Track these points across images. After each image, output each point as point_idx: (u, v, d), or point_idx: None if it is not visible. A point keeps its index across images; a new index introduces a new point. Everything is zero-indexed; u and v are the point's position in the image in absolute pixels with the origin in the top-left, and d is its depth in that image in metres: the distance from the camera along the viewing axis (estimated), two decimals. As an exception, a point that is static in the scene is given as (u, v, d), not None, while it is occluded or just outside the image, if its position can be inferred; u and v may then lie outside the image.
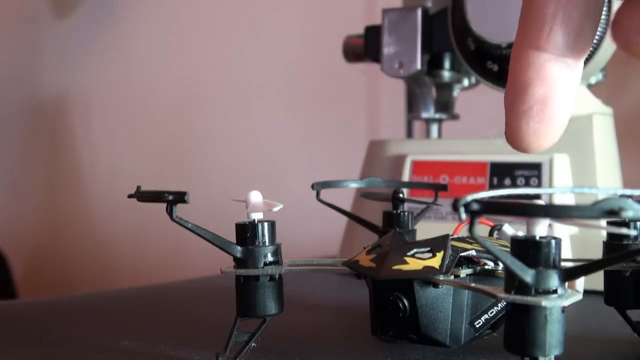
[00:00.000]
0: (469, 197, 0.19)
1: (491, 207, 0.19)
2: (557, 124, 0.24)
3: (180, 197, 0.26)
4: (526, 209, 0.19)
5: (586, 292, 0.28)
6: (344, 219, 0.53)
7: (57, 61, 1.35)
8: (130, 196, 0.26)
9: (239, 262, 0.29)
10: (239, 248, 0.28)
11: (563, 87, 0.23)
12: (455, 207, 0.19)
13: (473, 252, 0.28)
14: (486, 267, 0.29)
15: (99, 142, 1.32)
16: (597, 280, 0.31)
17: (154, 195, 0.26)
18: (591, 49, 0.24)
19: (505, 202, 0.22)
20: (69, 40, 1.34)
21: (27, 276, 1.34)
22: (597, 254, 0.30)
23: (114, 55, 1.29)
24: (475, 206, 0.19)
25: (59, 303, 0.45)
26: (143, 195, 0.26)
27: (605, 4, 0.40)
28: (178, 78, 1.20)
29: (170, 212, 0.26)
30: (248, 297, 0.28)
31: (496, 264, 0.28)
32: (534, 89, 0.23)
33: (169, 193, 0.26)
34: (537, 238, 0.21)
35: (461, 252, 0.28)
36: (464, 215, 0.19)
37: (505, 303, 0.21)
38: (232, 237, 0.29)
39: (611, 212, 0.18)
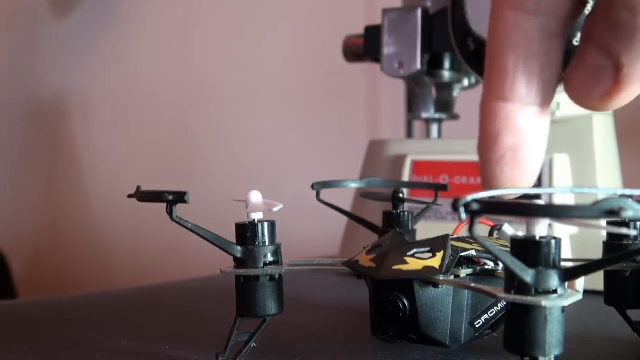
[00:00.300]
0: (469, 197, 0.19)
1: (491, 207, 0.19)
2: (530, 169, 0.25)
3: (180, 197, 0.26)
4: (526, 209, 0.19)
5: (586, 292, 0.28)
6: (344, 219, 0.53)
7: (57, 61, 1.35)
8: (130, 196, 0.26)
9: (239, 262, 0.29)
10: (239, 248, 0.28)
11: (532, 134, 0.24)
12: (455, 207, 0.19)
13: (473, 252, 0.28)
14: (486, 267, 0.29)
15: (99, 142, 1.32)
16: (597, 280, 0.31)
17: (154, 195, 0.26)
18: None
19: (505, 202, 0.22)
20: (69, 40, 1.34)
21: (27, 276, 1.34)
22: (597, 254, 0.30)
23: (114, 55, 1.29)
24: (475, 206, 0.19)
25: (59, 303, 0.45)
26: (143, 196, 0.26)
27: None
28: (178, 78, 1.20)
29: (170, 212, 0.26)
30: (248, 297, 0.28)
31: (496, 264, 0.28)
32: (504, 138, 0.24)
33: (169, 193, 0.26)
34: (537, 238, 0.21)
35: (461, 252, 0.28)
36: (464, 215, 0.19)
37: (505, 303, 0.21)
38: (232, 237, 0.29)
39: (611, 212, 0.18)
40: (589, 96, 0.24)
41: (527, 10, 0.24)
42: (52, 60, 1.36)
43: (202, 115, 1.18)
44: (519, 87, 0.24)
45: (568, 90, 0.24)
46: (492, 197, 0.23)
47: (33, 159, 1.40)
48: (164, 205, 0.26)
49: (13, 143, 1.42)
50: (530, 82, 0.24)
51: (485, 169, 0.26)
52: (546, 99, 0.25)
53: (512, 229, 0.31)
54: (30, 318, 0.40)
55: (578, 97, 0.24)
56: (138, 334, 0.35)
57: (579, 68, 0.24)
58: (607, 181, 0.49)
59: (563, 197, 0.46)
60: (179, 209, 0.27)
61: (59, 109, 1.35)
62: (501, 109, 0.25)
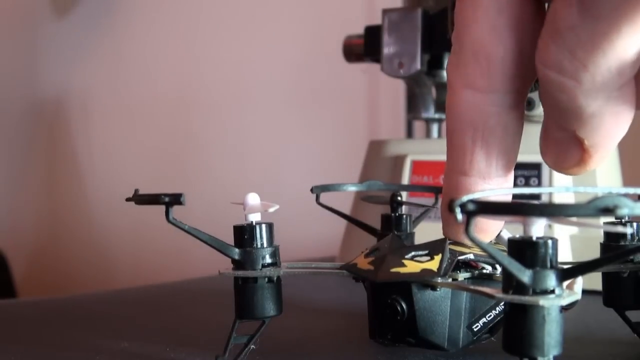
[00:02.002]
0: (465, 197, 0.19)
1: (487, 207, 0.19)
2: (490, 233, 0.27)
3: (176, 199, 0.26)
4: (521, 208, 0.19)
5: (586, 292, 0.28)
6: (343, 220, 0.53)
7: (57, 61, 1.35)
8: (128, 199, 0.27)
9: (237, 264, 0.29)
10: (236, 250, 0.28)
11: None
12: (450, 208, 0.19)
13: (471, 256, 0.28)
14: (484, 271, 0.29)
15: (99, 142, 1.32)
16: (596, 281, 0.31)
17: (151, 198, 0.26)
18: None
19: (500, 202, 0.22)
20: (69, 40, 1.34)
21: (27, 276, 1.34)
22: (597, 254, 0.30)
23: (114, 55, 1.29)
24: (471, 206, 0.19)
25: (59, 303, 0.45)
26: (140, 199, 0.26)
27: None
28: (177, 78, 1.20)
29: (166, 214, 0.26)
30: (246, 299, 0.28)
31: (494, 267, 0.28)
32: None
33: (165, 195, 0.26)
34: (534, 238, 0.21)
35: (459, 255, 0.28)
36: (459, 216, 0.19)
37: (503, 307, 0.21)
38: (232, 239, 0.29)
39: (606, 210, 0.18)
40: (565, 165, 0.25)
41: (479, 88, 0.25)
42: (52, 60, 1.36)
43: (202, 116, 1.18)
44: (477, 161, 0.25)
45: (545, 160, 0.25)
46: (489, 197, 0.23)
47: (33, 158, 1.41)
48: (163, 207, 0.26)
49: (13, 143, 1.42)
50: (489, 157, 0.25)
51: (448, 231, 0.28)
52: (506, 171, 0.26)
53: (509, 233, 0.31)
54: (30, 318, 0.40)
55: (557, 169, 0.25)
56: (138, 335, 0.35)
57: (548, 142, 0.25)
58: (607, 181, 0.49)
59: (563, 197, 0.46)
60: (178, 211, 0.27)
61: (59, 109, 1.35)
62: (462, 182, 0.26)
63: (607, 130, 0.23)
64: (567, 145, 0.24)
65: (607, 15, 0.20)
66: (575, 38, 0.21)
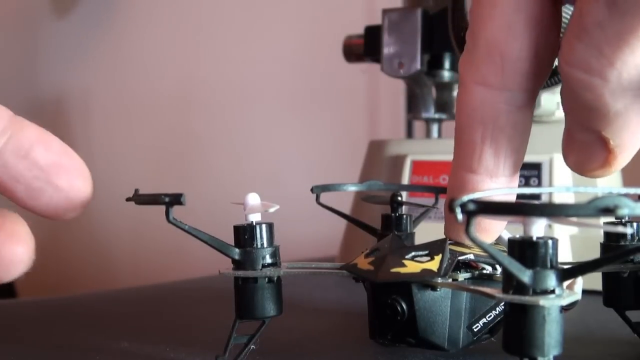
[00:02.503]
0: (465, 197, 0.19)
1: (487, 207, 0.19)
2: (492, 233, 0.27)
3: (176, 199, 0.25)
4: (521, 208, 0.19)
5: (586, 292, 0.28)
6: (343, 220, 0.53)
7: (57, 61, 1.35)
8: (128, 199, 0.27)
9: (237, 264, 0.29)
10: (236, 250, 0.28)
11: None
12: (451, 208, 0.19)
13: (471, 256, 0.28)
14: (484, 271, 0.29)
15: (99, 142, 1.32)
16: (596, 281, 0.31)
17: (151, 198, 0.26)
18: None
19: (501, 202, 0.22)
20: (69, 40, 1.34)
21: (27, 276, 1.33)
22: (597, 254, 0.30)
23: (113, 56, 1.29)
24: (471, 206, 0.19)
25: (58, 303, 0.45)
26: (140, 199, 0.26)
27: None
28: (177, 78, 1.20)
29: (166, 214, 0.26)
30: (246, 299, 0.28)
31: (494, 268, 0.28)
32: None
33: (165, 195, 0.26)
34: (534, 238, 0.21)
35: (459, 255, 0.28)
36: (460, 216, 0.19)
37: (503, 308, 0.21)
38: (232, 239, 0.29)
39: (606, 210, 0.18)
40: (589, 167, 0.24)
41: (492, 86, 0.25)
42: (52, 60, 1.36)
43: (202, 116, 1.18)
44: (486, 159, 0.25)
45: (568, 164, 0.25)
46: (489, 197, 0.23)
47: (33, 159, 1.40)
48: (163, 207, 0.26)
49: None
50: (497, 155, 0.25)
51: (450, 228, 0.28)
52: (513, 170, 0.26)
53: (509, 234, 0.31)
54: (30, 318, 0.40)
55: (580, 171, 0.25)
56: (138, 336, 0.35)
57: (571, 144, 0.25)
58: (607, 181, 0.49)
59: (563, 197, 0.46)
60: (179, 210, 0.27)
61: (59, 109, 1.35)
62: (468, 180, 0.26)
63: (634, 129, 0.23)
64: (591, 147, 0.24)
65: (635, 10, 0.20)
66: (602, 34, 0.21)
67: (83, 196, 0.24)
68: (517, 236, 0.21)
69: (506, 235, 0.30)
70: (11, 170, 0.23)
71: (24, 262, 0.24)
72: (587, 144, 0.24)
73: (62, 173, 0.24)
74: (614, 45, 0.21)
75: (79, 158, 0.25)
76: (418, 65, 0.53)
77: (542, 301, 0.20)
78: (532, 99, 0.25)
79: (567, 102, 0.24)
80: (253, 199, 0.29)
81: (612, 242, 0.30)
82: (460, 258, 0.28)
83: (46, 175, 0.24)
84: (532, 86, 0.25)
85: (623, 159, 0.24)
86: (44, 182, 0.24)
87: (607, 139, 0.23)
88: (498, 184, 0.26)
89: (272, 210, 0.28)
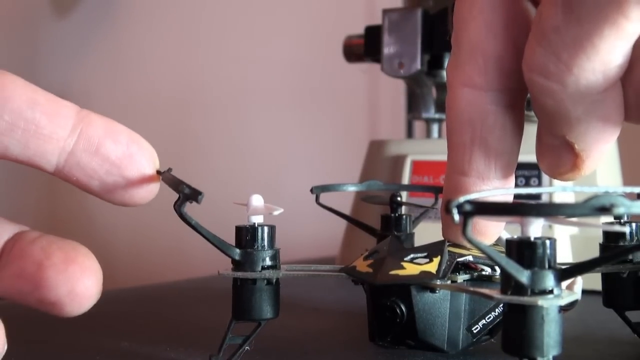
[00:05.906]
0: (462, 198, 0.19)
1: (484, 208, 0.19)
2: (489, 235, 0.26)
3: (194, 195, 0.25)
4: (519, 208, 0.19)
5: (586, 292, 0.28)
6: (343, 220, 0.53)
7: (57, 61, 1.35)
8: (158, 172, 0.26)
9: (237, 265, 0.28)
10: (237, 250, 0.28)
11: None
12: (447, 209, 0.19)
13: (470, 258, 0.28)
14: (483, 272, 0.29)
15: (100, 142, 1.31)
16: (596, 281, 0.31)
17: (174, 182, 0.25)
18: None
19: (497, 202, 0.22)
20: (69, 40, 1.34)
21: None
22: (597, 254, 0.30)
23: (113, 56, 1.29)
24: (468, 207, 0.19)
25: (58, 303, 0.45)
26: (166, 177, 0.26)
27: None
28: (177, 78, 1.20)
29: (179, 205, 0.25)
30: (244, 300, 0.28)
31: (493, 269, 0.28)
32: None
33: (187, 186, 0.25)
34: (532, 239, 0.21)
35: (458, 257, 0.28)
36: (457, 217, 0.19)
37: (502, 309, 0.21)
38: (231, 239, 0.29)
39: (603, 209, 0.18)
40: (559, 171, 0.25)
41: (477, 86, 0.25)
42: (52, 60, 1.36)
43: (203, 116, 1.18)
44: (476, 162, 0.25)
45: (541, 167, 0.25)
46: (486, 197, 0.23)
47: (34, 159, 1.40)
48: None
49: (14, 143, 1.42)
50: (487, 157, 0.25)
51: (446, 230, 0.27)
52: (505, 172, 0.26)
53: (507, 234, 0.31)
54: (30, 318, 0.40)
55: (552, 174, 0.25)
56: (138, 336, 0.35)
57: (542, 148, 0.25)
58: (607, 181, 0.49)
59: (563, 197, 0.46)
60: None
61: (59, 109, 1.35)
62: (461, 183, 0.26)
63: (596, 134, 0.23)
64: (559, 151, 0.24)
65: (590, 17, 0.20)
66: (559, 39, 0.21)
67: (152, 181, 0.24)
68: (515, 237, 0.21)
69: (505, 236, 0.30)
70: (85, 168, 0.24)
71: (95, 297, 0.24)
72: (555, 148, 0.24)
73: (132, 164, 0.24)
74: (571, 51, 0.21)
75: (147, 143, 0.25)
76: (418, 65, 0.53)
77: (541, 301, 0.20)
78: (520, 99, 0.25)
79: (534, 106, 0.24)
80: (257, 200, 0.29)
81: (610, 242, 0.30)
82: (459, 260, 0.28)
83: (117, 169, 0.24)
84: (518, 85, 0.24)
85: (591, 162, 0.24)
86: (116, 176, 0.24)
87: (572, 143, 0.23)
88: (490, 186, 0.25)
89: (276, 213, 0.28)
